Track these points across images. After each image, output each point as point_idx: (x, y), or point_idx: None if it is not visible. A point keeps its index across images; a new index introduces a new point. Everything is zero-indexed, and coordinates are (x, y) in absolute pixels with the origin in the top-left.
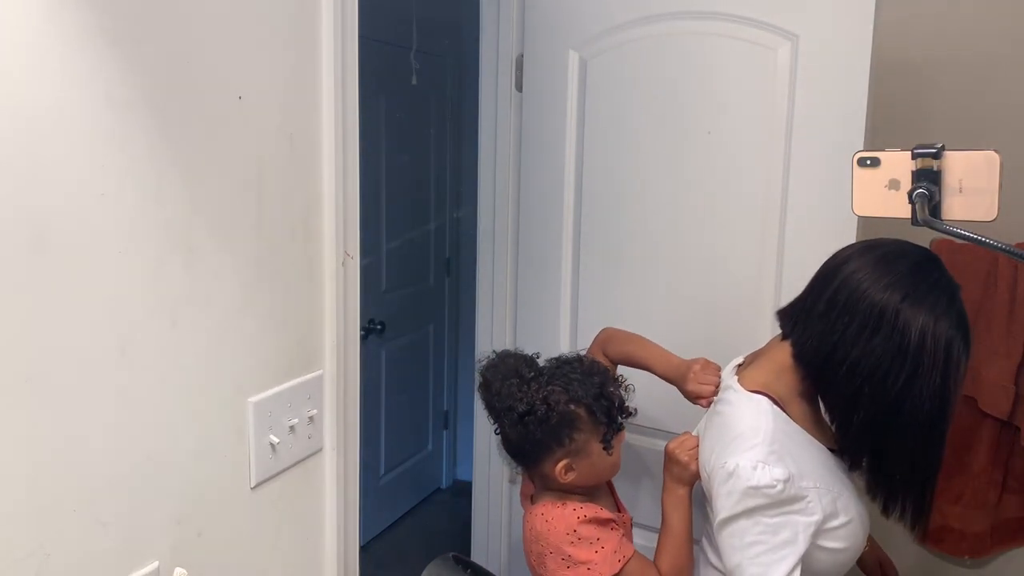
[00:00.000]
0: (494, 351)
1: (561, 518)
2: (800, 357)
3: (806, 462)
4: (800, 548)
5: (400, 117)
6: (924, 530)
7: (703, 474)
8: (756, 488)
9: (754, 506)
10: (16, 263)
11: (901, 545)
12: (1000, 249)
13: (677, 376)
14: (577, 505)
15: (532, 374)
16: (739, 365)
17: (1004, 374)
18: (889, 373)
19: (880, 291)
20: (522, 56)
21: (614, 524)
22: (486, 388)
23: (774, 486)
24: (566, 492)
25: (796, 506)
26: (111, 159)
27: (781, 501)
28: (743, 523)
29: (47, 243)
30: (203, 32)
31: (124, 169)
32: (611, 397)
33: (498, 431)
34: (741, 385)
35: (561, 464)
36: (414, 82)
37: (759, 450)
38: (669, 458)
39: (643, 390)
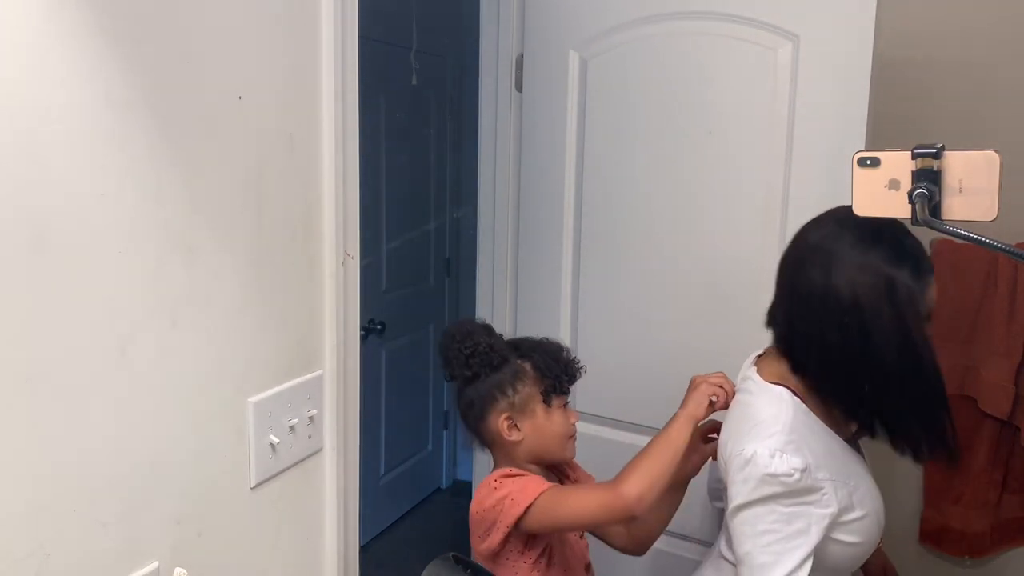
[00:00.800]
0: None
1: (484, 481)
2: (784, 352)
3: (824, 454)
4: (813, 540)
5: (400, 117)
6: (958, 455)
7: (720, 462)
8: (773, 475)
9: (770, 494)
10: (16, 263)
11: (901, 545)
12: (1000, 249)
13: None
14: (504, 469)
15: (487, 332)
16: (759, 356)
17: (1004, 374)
18: (844, 339)
19: (810, 264)
20: (522, 56)
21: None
22: (445, 340)
23: (791, 475)
24: (515, 468)
25: (811, 497)
26: (111, 159)
27: (797, 491)
28: (758, 510)
29: (47, 243)
30: (203, 32)
31: (124, 169)
32: (557, 357)
33: (449, 377)
34: (760, 376)
35: (504, 417)
36: (414, 82)
37: (778, 438)
38: (689, 387)
39: (641, 386)
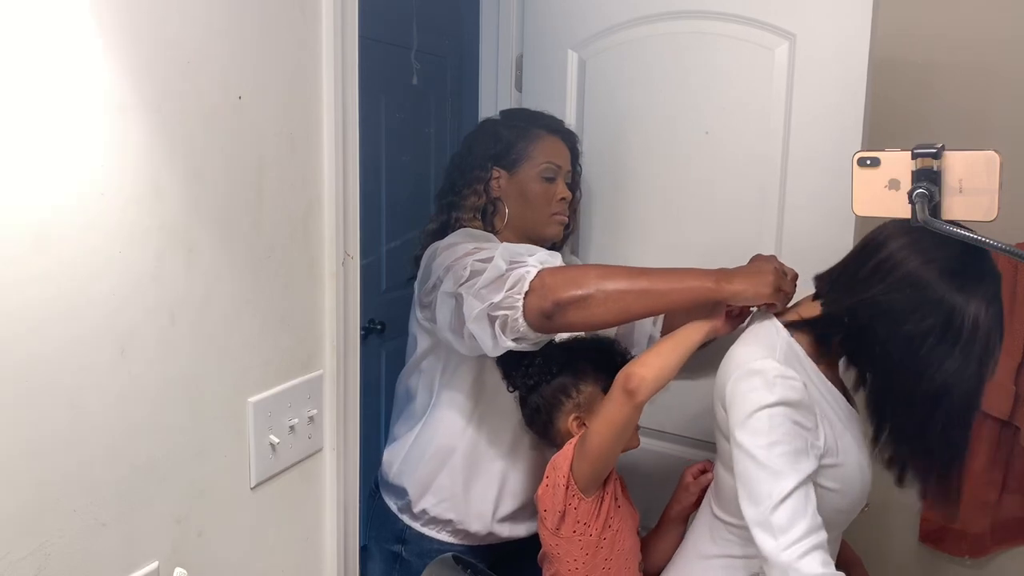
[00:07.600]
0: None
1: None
2: (832, 319)
3: (815, 394)
4: (812, 464)
5: (400, 117)
6: (955, 510)
7: (717, 392)
8: (784, 377)
9: (781, 398)
10: (16, 263)
11: (901, 545)
12: (1000, 249)
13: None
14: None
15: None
16: None
17: (1004, 374)
18: (934, 351)
19: (925, 268)
20: (522, 56)
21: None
22: (504, 354)
23: (797, 380)
24: None
25: (808, 422)
26: (111, 159)
27: (801, 403)
28: (770, 412)
29: (47, 243)
30: (203, 32)
31: (124, 169)
32: (611, 351)
33: (511, 388)
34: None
35: (572, 417)
36: (414, 82)
37: (778, 356)
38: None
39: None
